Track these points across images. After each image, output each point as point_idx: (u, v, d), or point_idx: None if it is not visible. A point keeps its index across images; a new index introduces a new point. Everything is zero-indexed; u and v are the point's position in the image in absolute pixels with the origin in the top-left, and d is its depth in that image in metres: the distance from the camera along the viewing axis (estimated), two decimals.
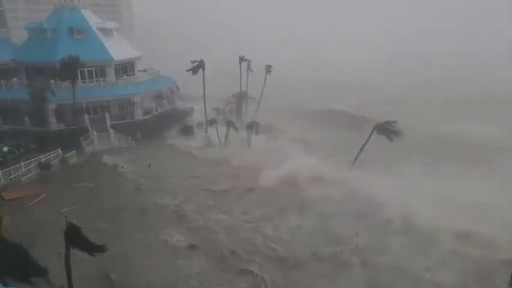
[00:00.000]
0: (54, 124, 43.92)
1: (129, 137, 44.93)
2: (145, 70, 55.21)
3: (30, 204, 29.16)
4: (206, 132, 50.59)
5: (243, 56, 60.46)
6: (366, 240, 25.07)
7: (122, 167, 37.13)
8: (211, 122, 47.43)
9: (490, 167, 32.84)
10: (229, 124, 46.69)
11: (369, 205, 28.71)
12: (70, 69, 42.11)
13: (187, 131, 49.82)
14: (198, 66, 51.25)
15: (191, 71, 51.29)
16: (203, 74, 51.44)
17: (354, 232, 25.61)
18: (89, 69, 46.84)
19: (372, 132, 36.85)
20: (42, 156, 36.80)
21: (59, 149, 38.72)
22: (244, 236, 25.83)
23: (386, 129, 36.31)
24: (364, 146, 37.31)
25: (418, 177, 30.99)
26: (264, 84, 60.27)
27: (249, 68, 60.04)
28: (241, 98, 57.34)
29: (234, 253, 23.87)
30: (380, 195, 29.18)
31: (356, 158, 37.87)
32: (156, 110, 50.43)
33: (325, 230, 26.28)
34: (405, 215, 26.65)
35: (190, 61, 51.59)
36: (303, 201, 30.21)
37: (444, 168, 33.15)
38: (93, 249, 15.73)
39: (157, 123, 48.73)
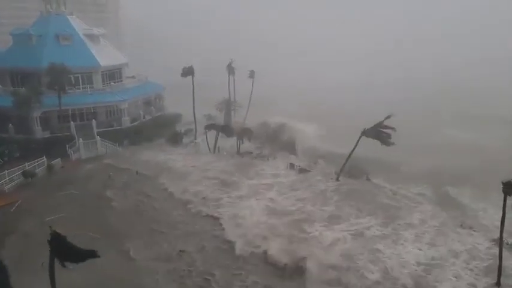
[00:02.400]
0: (39, 132, 43.16)
1: (116, 144, 44.32)
2: (133, 77, 54.78)
3: (11, 210, 28.57)
4: (195, 139, 50.21)
5: (230, 63, 60.74)
6: None
7: (110, 174, 36.51)
8: (209, 128, 46.77)
9: None
10: (223, 130, 46.13)
11: None
12: (57, 78, 41.52)
13: (176, 138, 49.35)
14: (188, 72, 51.11)
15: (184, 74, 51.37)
16: (193, 80, 51.24)
17: None
18: (76, 75, 46.18)
19: (359, 138, 35.44)
20: (26, 164, 36.11)
21: (44, 157, 38.01)
22: None
23: (378, 132, 34.39)
24: (350, 154, 35.93)
25: None
26: (252, 90, 60.36)
27: (232, 73, 60.21)
28: (229, 104, 57.22)
29: None
30: None
31: (341, 169, 36.53)
32: (144, 117, 49.92)
33: None
34: None
35: (182, 69, 51.48)
36: None
37: None
38: (82, 256, 15.27)
39: (145, 130, 48.21)
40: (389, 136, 34.54)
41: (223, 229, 26.96)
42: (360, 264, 22.71)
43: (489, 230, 27.31)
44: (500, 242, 21.18)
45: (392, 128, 34.46)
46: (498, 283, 20.92)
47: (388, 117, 34.52)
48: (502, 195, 20.45)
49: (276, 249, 23.89)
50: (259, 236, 25.60)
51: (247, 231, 26.24)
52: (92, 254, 14.96)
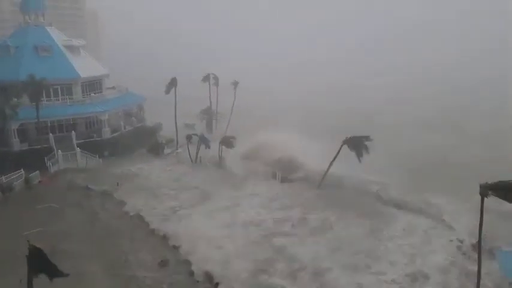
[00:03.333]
0: (17, 144, 42.35)
1: (97, 156, 43.75)
2: (113, 87, 54.42)
3: None
4: (177, 149, 49.95)
5: (208, 74, 61.14)
6: None
7: (87, 187, 36.09)
8: (188, 139, 46.69)
9: None
10: (202, 140, 46.05)
11: None
12: (34, 90, 40.84)
13: (157, 148, 49.01)
14: (171, 85, 51.34)
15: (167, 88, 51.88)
16: (175, 92, 51.36)
17: None
18: (55, 87, 45.63)
19: (341, 147, 36.07)
20: (3, 177, 35.32)
21: (22, 170, 37.22)
22: None
23: (357, 145, 34.88)
24: (332, 163, 36.27)
25: None
26: (234, 100, 60.65)
27: (216, 83, 60.51)
28: (210, 113, 57.33)
29: None
30: None
31: (323, 177, 36.86)
32: (124, 128, 49.48)
33: None
34: None
35: (166, 86, 51.78)
36: None
37: None
38: (56, 272, 15.06)
39: (126, 141, 47.76)
40: (366, 148, 35.04)
41: (181, 251, 25.27)
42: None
43: (467, 233, 27.55)
44: (478, 246, 21.09)
45: (368, 138, 35.25)
46: None
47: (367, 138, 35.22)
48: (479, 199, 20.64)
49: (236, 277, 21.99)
50: (220, 260, 23.72)
51: (209, 254, 24.46)
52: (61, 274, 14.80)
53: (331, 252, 24.96)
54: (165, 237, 27.33)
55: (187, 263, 23.91)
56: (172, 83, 51.57)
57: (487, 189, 20.11)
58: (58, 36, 51.12)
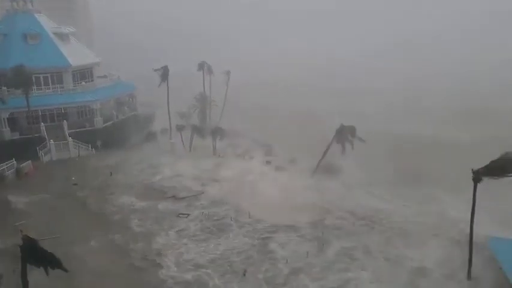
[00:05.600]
0: (7, 133, 41.87)
1: (89, 145, 43.40)
2: (105, 76, 53.75)
3: None
4: (170, 139, 49.72)
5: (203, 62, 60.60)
6: None
7: (73, 179, 35.67)
8: (179, 128, 46.41)
9: None
10: (194, 130, 45.88)
11: None
12: (22, 78, 40.13)
13: (150, 137, 48.72)
14: (164, 73, 50.84)
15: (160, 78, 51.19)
16: (167, 80, 50.88)
17: None
18: (45, 75, 44.98)
19: (333, 138, 36.31)
20: None
21: (14, 160, 36.82)
22: None
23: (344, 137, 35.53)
24: (326, 152, 36.61)
25: None
26: (227, 88, 60.34)
27: (210, 72, 59.98)
28: (203, 101, 56.90)
29: None
30: None
31: (317, 166, 37.03)
32: (117, 117, 49.00)
33: None
34: None
35: (153, 69, 51.09)
36: None
37: None
38: (53, 263, 14.96)
39: (118, 130, 47.37)
40: (351, 144, 35.29)
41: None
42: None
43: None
44: (470, 232, 21.17)
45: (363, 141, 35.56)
46: (469, 277, 20.99)
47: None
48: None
49: None
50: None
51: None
52: (61, 266, 14.78)
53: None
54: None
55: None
56: (165, 72, 51.06)
57: (479, 175, 20.35)
58: (47, 24, 50.13)
